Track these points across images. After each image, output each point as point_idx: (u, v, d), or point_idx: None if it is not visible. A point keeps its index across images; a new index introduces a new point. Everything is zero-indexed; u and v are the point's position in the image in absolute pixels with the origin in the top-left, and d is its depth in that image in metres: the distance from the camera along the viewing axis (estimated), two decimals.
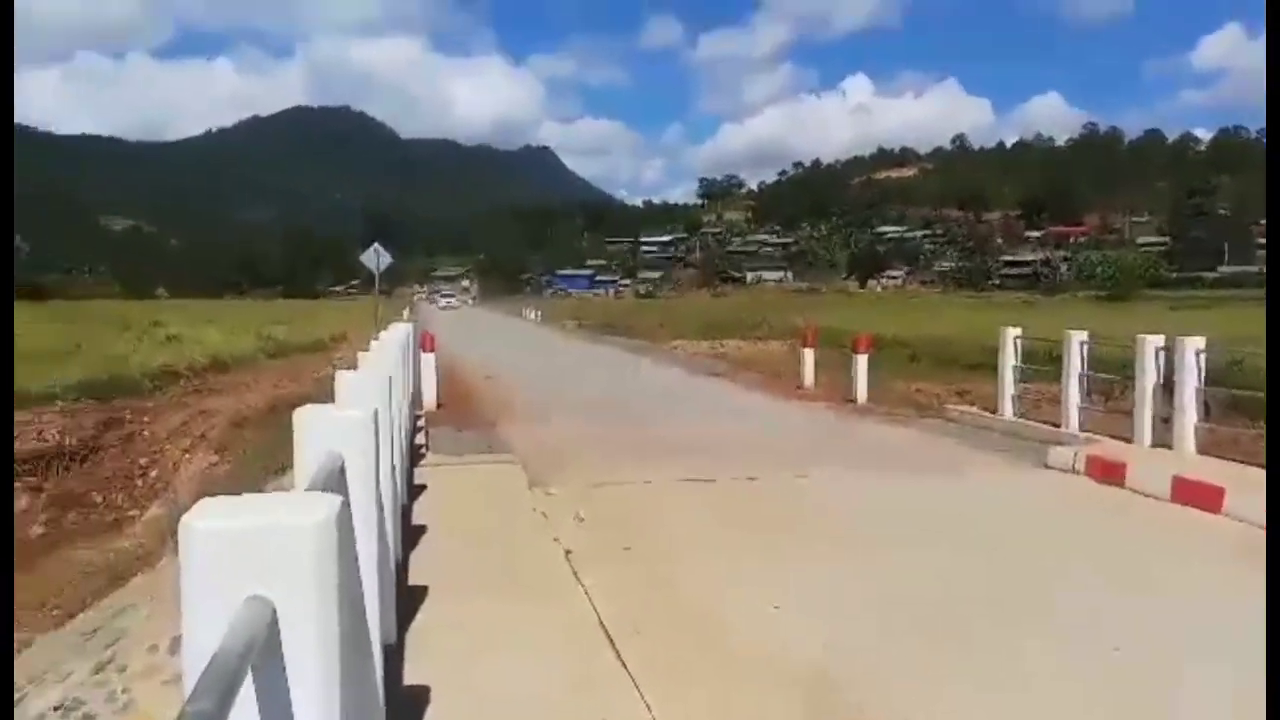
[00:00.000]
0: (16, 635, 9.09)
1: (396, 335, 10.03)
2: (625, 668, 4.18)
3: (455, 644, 4.45)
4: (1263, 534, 6.26)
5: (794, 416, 13.29)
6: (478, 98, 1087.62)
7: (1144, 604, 5.24)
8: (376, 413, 3.60)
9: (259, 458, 12.99)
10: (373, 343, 9.30)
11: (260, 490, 9.41)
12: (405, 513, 6.64)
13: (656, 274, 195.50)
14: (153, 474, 14.79)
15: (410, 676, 4.01)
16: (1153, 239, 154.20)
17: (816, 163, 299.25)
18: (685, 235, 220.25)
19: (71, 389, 17.78)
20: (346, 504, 2.73)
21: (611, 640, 4.51)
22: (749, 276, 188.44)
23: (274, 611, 1.64)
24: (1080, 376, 10.59)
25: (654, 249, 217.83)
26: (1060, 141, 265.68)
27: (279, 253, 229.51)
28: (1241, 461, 8.25)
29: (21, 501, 13.60)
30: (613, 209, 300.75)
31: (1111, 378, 11.36)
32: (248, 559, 1.65)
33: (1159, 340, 9.53)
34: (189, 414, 16.81)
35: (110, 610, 7.70)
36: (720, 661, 4.38)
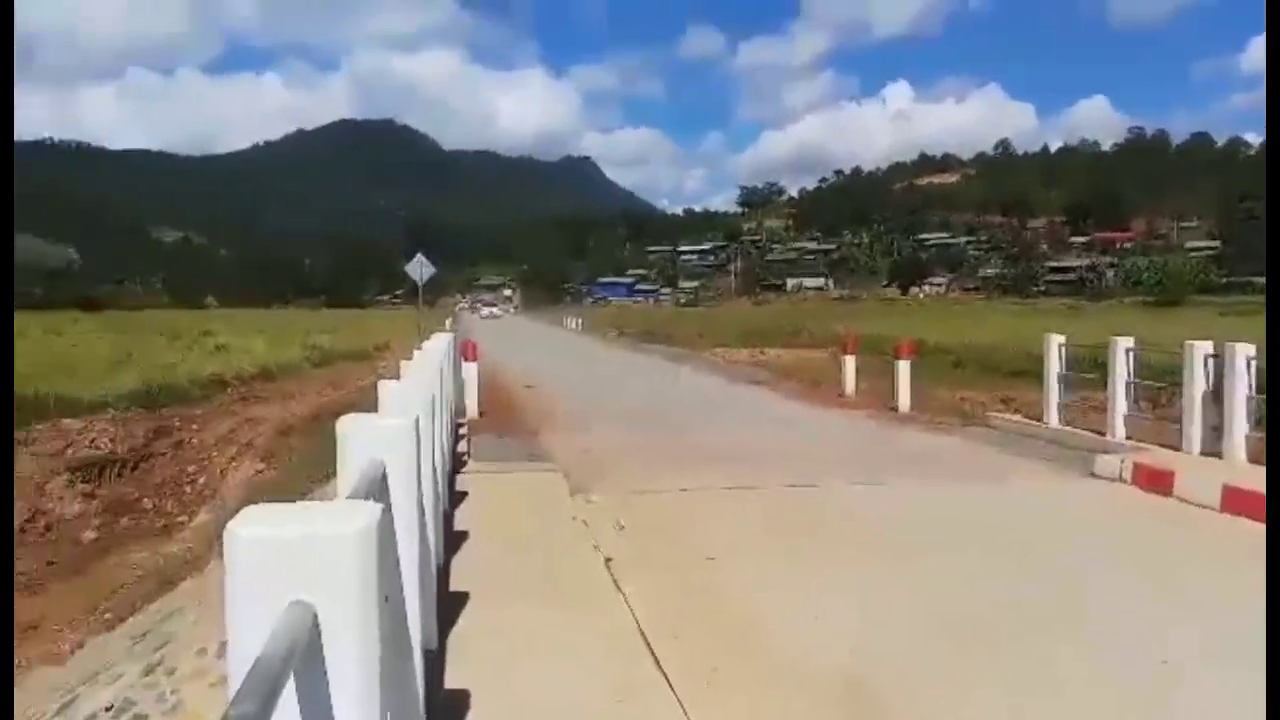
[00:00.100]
0: (70, 638, 9.31)
1: (439, 344, 10.12)
2: (664, 675, 4.19)
3: (496, 650, 4.48)
4: None
5: (835, 424, 13.21)
6: (519, 109, 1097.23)
7: (1187, 614, 5.15)
8: (418, 421, 3.64)
9: (304, 465, 13.18)
10: (415, 352, 9.40)
11: (305, 497, 9.56)
12: (447, 519, 6.69)
13: (696, 282, 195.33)
14: (201, 481, 15.06)
15: (451, 681, 4.05)
16: (1201, 244, 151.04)
17: (858, 169, 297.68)
18: (725, 243, 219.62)
19: (123, 397, 18.18)
20: (388, 511, 2.77)
21: (651, 647, 4.52)
22: (789, 284, 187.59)
23: (316, 617, 1.67)
24: (1126, 384, 10.43)
25: (694, 257, 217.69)
26: (1106, 146, 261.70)
27: (324, 263, 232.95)
28: None
29: (75, 507, 13.91)
30: (653, 218, 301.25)
31: (1159, 385, 11.16)
32: (291, 565, 1.69)
33: (1208, 347, 9.36)
34: (236, 422, 17.10)
35: (159, 614, 7.85)
36: (760, 669, 4.37)
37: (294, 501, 2.07)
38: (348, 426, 3.28)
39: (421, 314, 32.82)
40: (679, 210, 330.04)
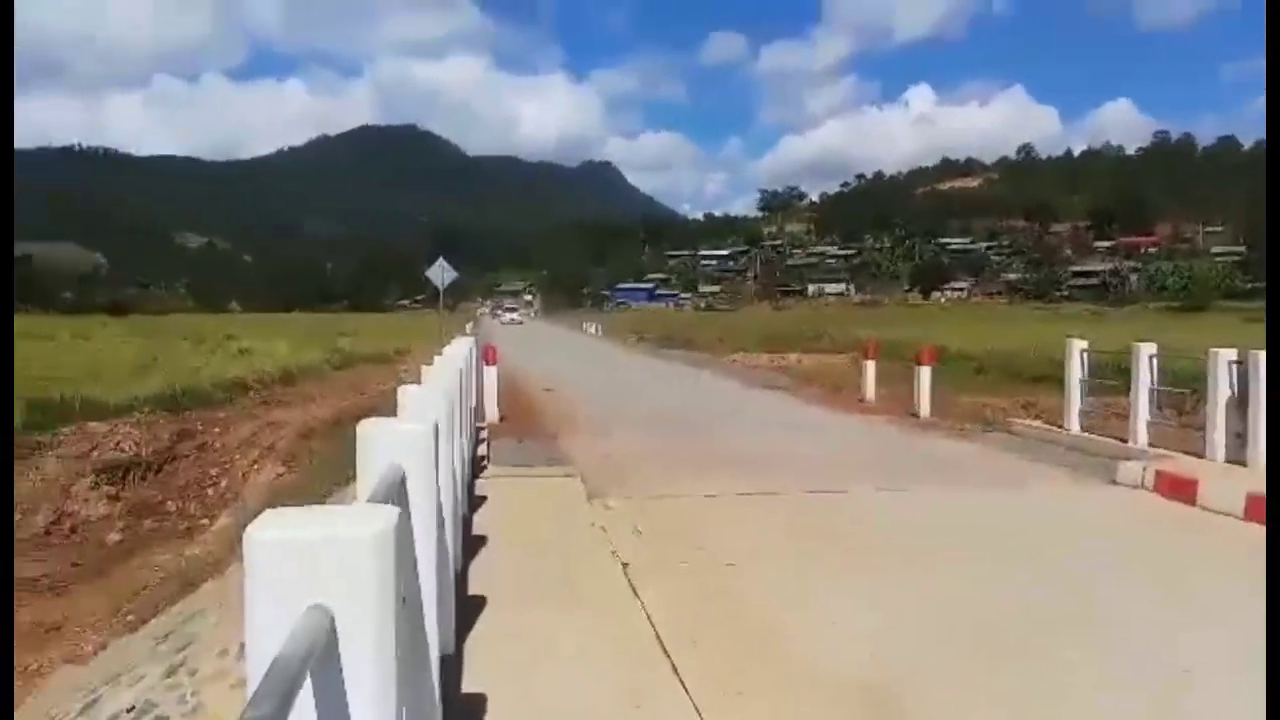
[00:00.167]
0: (92, 638, 9.40)
1: (459, 349, 10.16)
2: (681, 682, 4.19)
3: (513, 654, 4.49)
4: None
5: (855, 430, 13.17)
6: (541, 114, 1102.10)
7: (1208, 622, 5.10)
8: (437, 426, 3.67)
9: (325, 469, 13.26)
10: (435, 357, 9.44)
11: (326, 500, 9.62)
12: (466, 523, 6.72)
13: (716, 287, 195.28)
14: (223, 484, 15.18)
15: (468, 685, 4.06)
16: (1227, 249, 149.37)
17: (879, 174, 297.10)
18: (745, 248, 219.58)
19: (148, 401, 18.34)
20: (406, 515, 2.79)
21: (668, 653, 4.52)
22: (810, 289, 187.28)
23: (333, 620, 1.69)
24: (1149, 390, 10.34)
25: (714, 262, 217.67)
26: (1131, 150, 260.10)
27: (347, 268, 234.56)
28: None
29: (100, 509, 14.05)
30: (674, 222, 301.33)
31: (1183, 392, 11.06)
32: (308, 569, 1.70)
33: (1232, 353, 9.26)
34: (258, 425, 17.22)
35: (181, 616, 7.92)
36: (777, 676, 4.35)
37: (315, 505, 2.09)
38: (367, 431, 3.30)
39: (442, 318, 32.95)
40: (699, 215, 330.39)
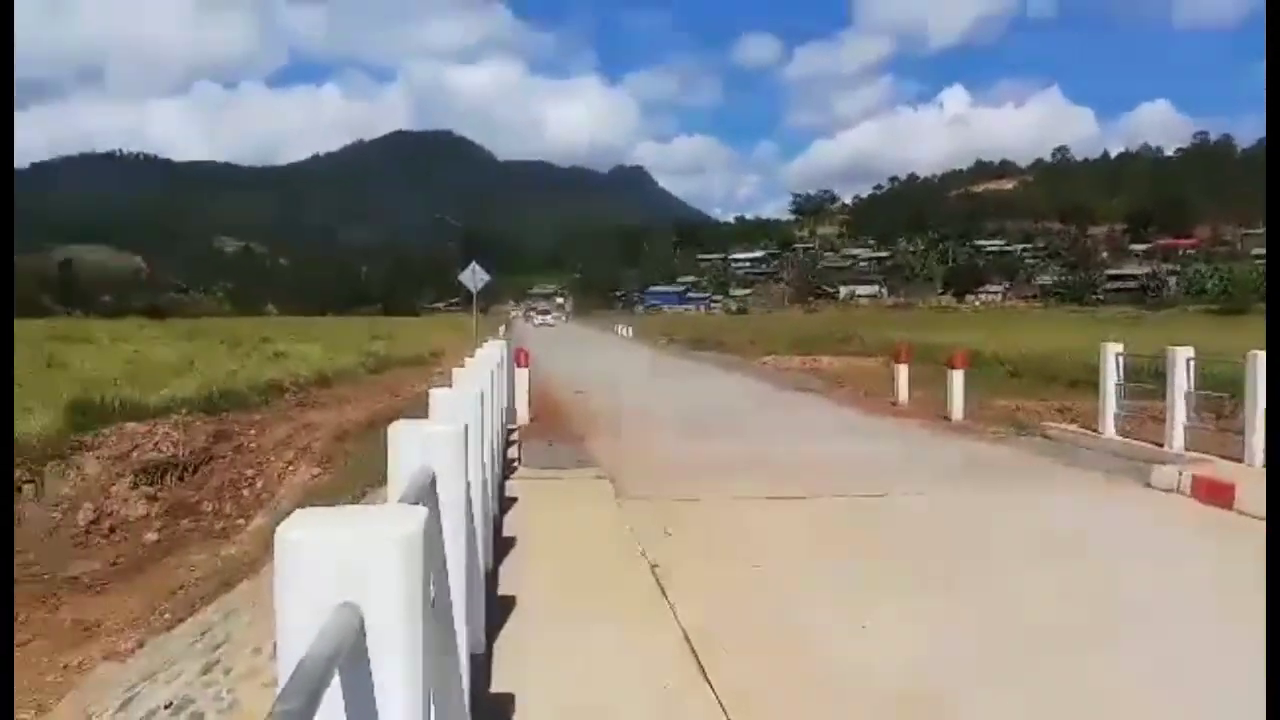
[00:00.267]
0: (132, 636, 9.55)
1: (491, 351, 10.23)
2: (710, 684, 4.19)
3: (542, 655, 4.52)
4: None
5: (887, 433, 13.09)
6: (573, 118, 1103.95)
7: (1249, 631, 5.01)
8: (467, 428, 3.70)
9: (359, 470, 13.39)
10: (467, 359, 9.50)
11: (359, 501, 9.71)
12: (496, 524, 6.76)
13: (748, 290, 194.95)
14: (258, 485, 15.37)
15: (497, 685, 4.09)
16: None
17: (913, 176, 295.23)
18: (777, 251, 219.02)
19: (185, 403, 18.61)
20: (435, 516, 2.82)
21: (696, 656, 4.52)
22: (842, 292, 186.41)
23: (362, 619, 1.71)
24: (1186, 394, 10.20)
25: (746, 265, 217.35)
26: (1169, 151, 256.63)
27: (381, 271, 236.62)
28: None
29: (139, 508, 14.27)
30: (705, 225, 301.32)
31: (1221, 396, 10.89)
32: (338, 569, 1.72)
33: None
34: (293, 427, 17.42)
35: (217, 614, 8.03)
36: (806, 679, 4.34)
37: (348, 505, 2.11)
38: (398, 432, 3.33)
39: (475, 321, 33.14)
40: (731, 218, 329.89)
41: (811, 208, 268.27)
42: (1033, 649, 4.75)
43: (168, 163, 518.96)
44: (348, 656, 1.62)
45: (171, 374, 23.82)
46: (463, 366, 8.21)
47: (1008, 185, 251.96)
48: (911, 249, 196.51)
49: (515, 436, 11.80)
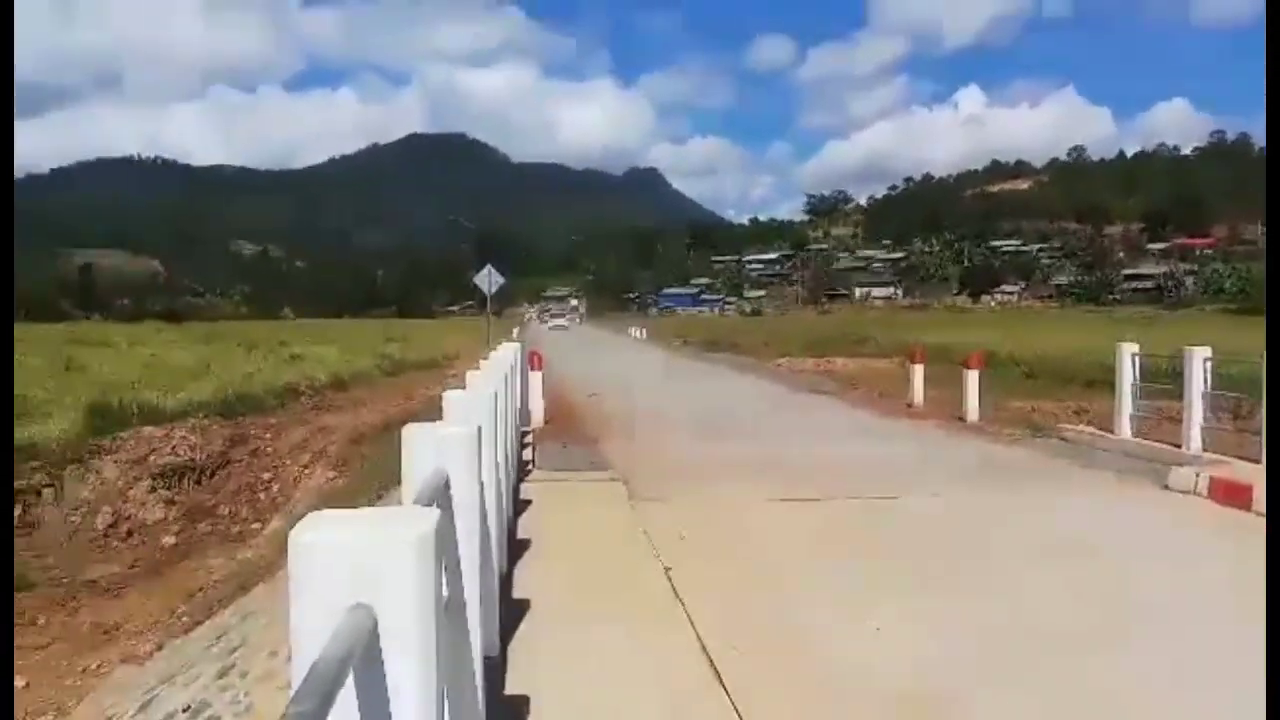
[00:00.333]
0: (151, 639, 9.61)
1: (505, 354, 10.26)
2: (724, 687, 4.19)
3: (556, 657, 4.53)
4: None
5: (901, 435, 13.05)
6: (588, 121, 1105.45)
7: (1253, 634, 4.97)
8: (480, 430, 3.71)
9: (374, 473, 13.44)
10: (481, 362, 9.53)
11: (375, 504, 9.74)
12: (511, 527, 6.78)
13: (762, 291, 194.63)
14: (275, 488, 15.45)
15: (511, 687, 4.10)
16: None
17: (928, 176, 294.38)
18: (791, 252, 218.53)
19: (202, 406, 18.72)
20: (449, 518, 2.83)
21: (710, 658, 4.52)
22: (856, 293, 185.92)
23: (375, 621, 1.72)
24: (1203, 395, 10.12)
25: (759, 266, 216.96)
26: (1186, 150, 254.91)
27: (396, 274, 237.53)
28: None
29: (157, 512, 14.37)
30: (719, 227, 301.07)
31: (1239, 396, 10.81)
32: (351, 571, 1.73)
33: None
34: (309, 430, 17.50)
35: (234, 617, 8.07)
36: (820, 682, 4.34)
37: (362, 508, 2.13)
38: (412, 435, 3.35)
39: (489, 324, 33.24)
40: (745, 219, 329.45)
41: (826, 209, 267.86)
42: (1050, 650, 4.72)
43: (185, 167, 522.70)
44: (361, 658, 1.63)
45: (189, 377, 23.96)
46: (477, 369, 8.24)
47: (1023, 185, 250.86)
48: (926, 249, 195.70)
49: (530, 439, 11.82)
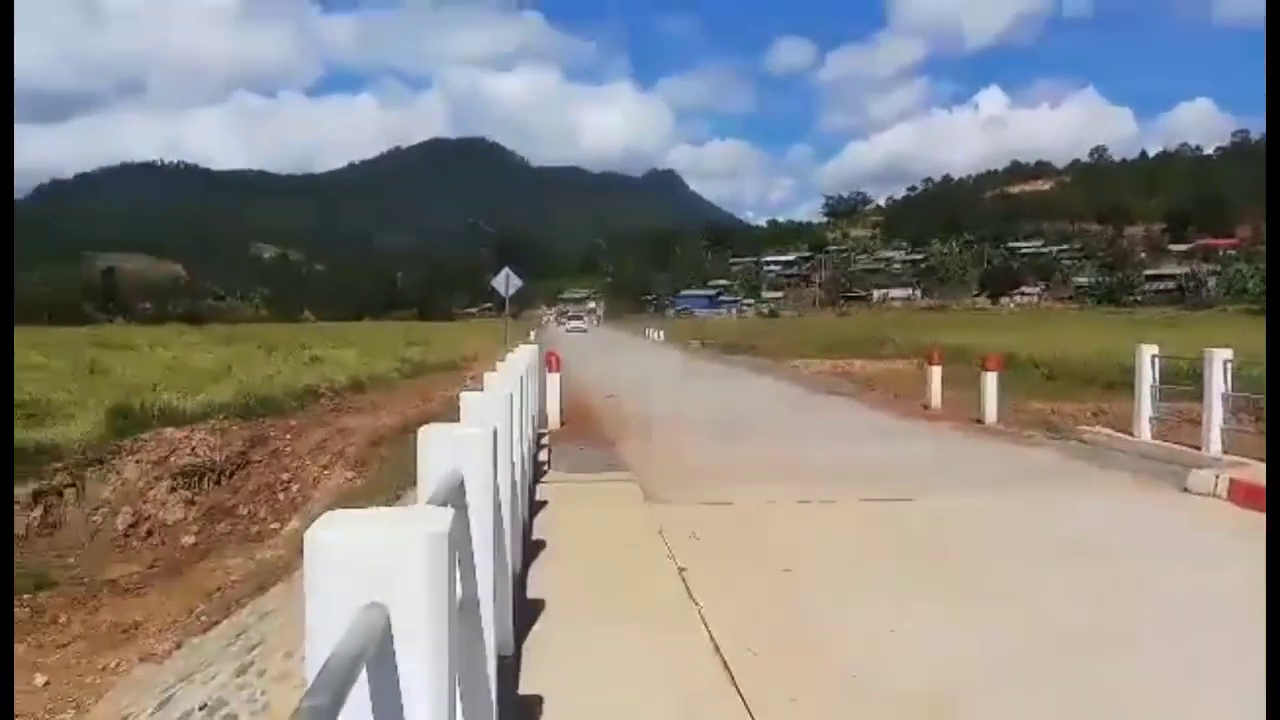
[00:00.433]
0: (170, 638, 9.69)
1: (522, 356, 10.29)
2: (738, 689, 4.19)
3: (570, 658, 4.54)
4: None
5: (918, 436, 13.00)
6: (607, 124, 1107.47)
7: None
8: (496, 431, 3.72)
9: (393, 474, 13.51)
10: (498, 364, 9.57)
11: (394, 504, 9.79)
12: (526, 528, 6.80)
13: (780, 293, 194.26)
14: (294, 488, 15.55)
15: (525, 687, 4.12)
16: None
17: (947, 178, 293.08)
18: (810, 254, 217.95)
19: (223, 408, 18.88)
20: (463, 518, 2.85)
21: (725, 660, 4.52)
22: (875, 295, 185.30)
23: (389, 618, 1.74)
24: (1224, 396, 10.04)
25: (778, 268, 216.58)
26: (1209, 149, 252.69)
27: (416, 277, 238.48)
28: None
29: (177, 512, 14.49)
30: (737, 229, 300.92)
31: (1261, 397, 10.71)
32: (365, 569, 1.75)
33: None
34: (328, 432, 17.60)
35: (252, 617, 8.13)
36: (835, 684, 4.33)
37: (379, 508, 2.15)
38: (428, 435, 3.36)
39: (508, 326, 33.31)
40: (763, 221, 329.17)
41: (845, 210, 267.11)
42: (1068, 651, 4.70)
43: (207, 172, 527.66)
44: (375, 655, 1.65)
45: (210, 380, 24.16)
46: (494, 371, 8.27)
47: (1044, 186, 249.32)
48: (946, 251, 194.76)
49: (546, 440, 11.84)
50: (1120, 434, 11.59)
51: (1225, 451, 9.79)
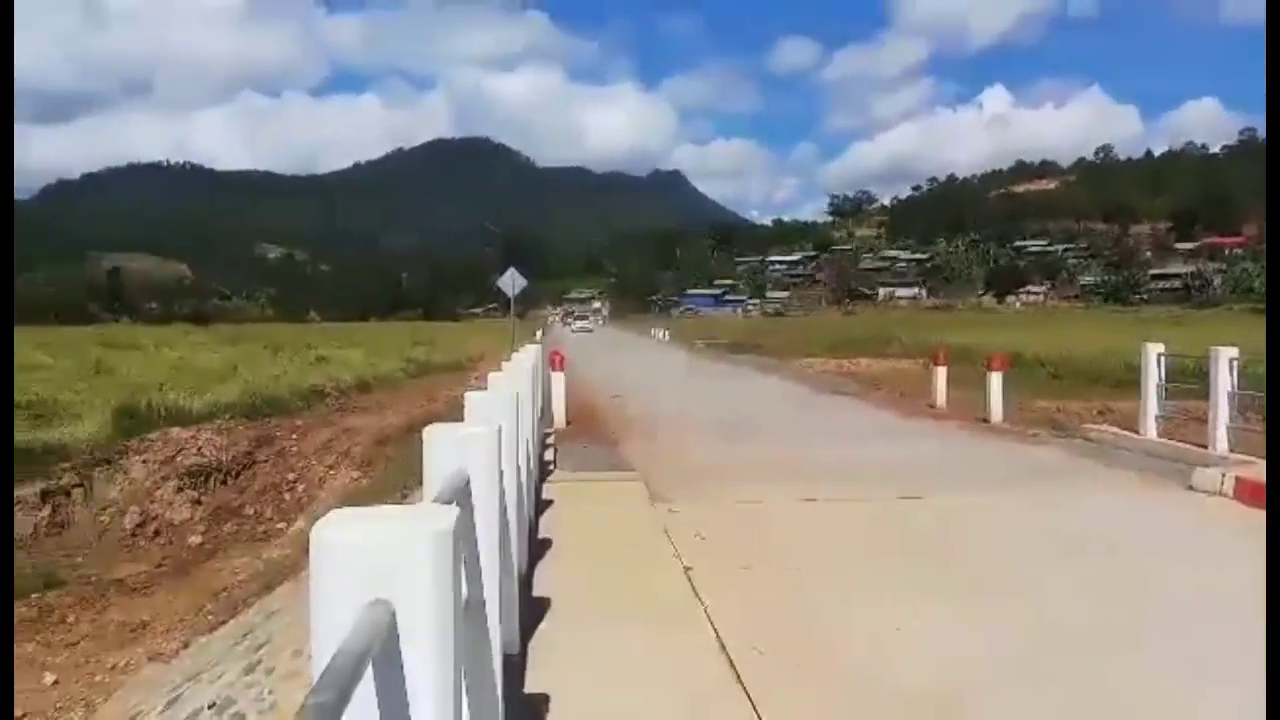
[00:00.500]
0: (178, 637, 9.72)
1: (527, 356, 10.30)
2: (744, 688, 4.19)
3: (576, 656, 4.54)
4: None
5: (923, 436, 12.99)
6: (612, 124, 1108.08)
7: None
8: (500, 430, 3.73)
9: (399, 474, 13.53)
10: (504, 364, 9.58)
11: (398, 504, 9.80)
12: (531, 526, 6.81)
13: (785, 292, 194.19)
14: (300, 488, 15.58)
15: (531, 686, 4.12)
16: None
17: (952, 177, 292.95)
18: (815, 253, 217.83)
19: (229, 408, 18.91)
20: (468, 516, 2.85)
21: (730, 659, 4.52)
22: (880, 294, 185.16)
23: (394, 616, 1.74)
24: (1229, 395, 10.01)
25: (783, 267, 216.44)
26: (1215, 148, 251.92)
27: (421, 277, 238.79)
28: None
29: (183, 512, 14.53)
30: (742, 229, 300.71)
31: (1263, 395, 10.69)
32: (370, 567, 1.75)
33: None
34: (334, 432, 17.63)
35: (259, 616, 8.15)
36: (840, 683, 4.33)
37: (384, 506, 2.15)
38: (433, 435, 3.37)
39: (515, 327, 33.35)
40: (768, 220, 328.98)
41: (850, 209, 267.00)
42: (1074, 649, 4.69)
43: (212, 172, 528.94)
44: (380, 653, 1.66)
45: (215, 379, 24.21)
46: (499, 371, 8.28)
47: (1049, 185, 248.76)
48: (951, 250, 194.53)
49: (551, 440, 11.85)
50: (1126, 432, 11.57)
51: (1231, 450, 9.76)
